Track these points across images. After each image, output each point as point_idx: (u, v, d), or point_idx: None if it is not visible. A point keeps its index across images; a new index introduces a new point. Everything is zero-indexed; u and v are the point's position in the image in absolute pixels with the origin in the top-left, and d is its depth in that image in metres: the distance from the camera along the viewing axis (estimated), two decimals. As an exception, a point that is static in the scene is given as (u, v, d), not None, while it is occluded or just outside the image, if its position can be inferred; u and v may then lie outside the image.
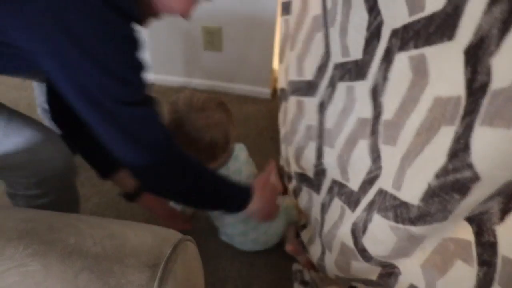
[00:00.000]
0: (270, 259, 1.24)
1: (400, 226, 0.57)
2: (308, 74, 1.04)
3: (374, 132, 0.65)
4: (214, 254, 1.26)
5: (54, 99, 0.99)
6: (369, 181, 0.68)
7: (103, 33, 0.65)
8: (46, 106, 1.37)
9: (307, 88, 1.02)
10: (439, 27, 0.48)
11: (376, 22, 0.62)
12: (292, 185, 1.26)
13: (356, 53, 0.70)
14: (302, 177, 1.08)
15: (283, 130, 1.38)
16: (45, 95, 1.01)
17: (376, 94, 0.64)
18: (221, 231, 1.26)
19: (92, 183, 1.47)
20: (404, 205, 0.56)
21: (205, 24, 1.79)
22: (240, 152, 1.14)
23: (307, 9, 1.04)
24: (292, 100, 1.17)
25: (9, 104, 0.83)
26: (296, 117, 1.12)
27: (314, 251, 1.02)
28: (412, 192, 0.54)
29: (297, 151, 1.06)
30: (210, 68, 1.97)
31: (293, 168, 1.17)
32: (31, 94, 1.87)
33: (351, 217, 0.74)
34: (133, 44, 0.70)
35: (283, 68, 1.35)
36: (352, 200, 0.75)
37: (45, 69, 0.68)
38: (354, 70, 0.71)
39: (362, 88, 0.68)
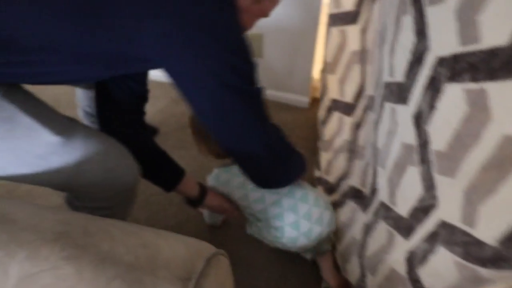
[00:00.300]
0: (301, 270, 1.22)
1: (468, 264, 0.55)
2: (369, 89, 1.01)
3: (424, 161, 0.62)
4: (244, 262, 1.25)
5: (107, 113, 1.00)
6: (422, 210, 0.65)
7: (232, 22, 0.72)
8: (88, 110, 1.40)
9: (369, 103, 1.00)
10: (506, 64, 0.45)
11: (421, 46, 0.59)
12: (333, 197, 1.23)
13: (399, 75, 0.67)
14: (356, 193, 1.05)
15: (338, 140, 1.34)
16: (96, 109, 1.01)
17: (420, 121, 0.62)
18: (255, 223, 1.16)
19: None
20: (478, 243, 0.53)
21: (247, 30, 1.79)
22: None
23: (370, 22, 1.02)
24: (359, 112, 1.15)
25: (50, 100, 0.84)
26: (366, 133, 1.10)
27: (351, 271, 0.99)
28: (489, 231, 0.52)
29: (363, 168, 1.04)
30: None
31: (350, 182, 1.14)
32: (70, 91, 1.92)
33: (405, 244, 0.72)
34: (244, 36, 0.76)
35: (336, 79, 1.32)
36: (402, 226, 0.72)
37: (169, 71, 0.74)
38: (396, 93, 0.69)
39: (404, 112, 0.66)
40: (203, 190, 1.11)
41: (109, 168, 0.87)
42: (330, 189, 1.33)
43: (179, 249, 0.55)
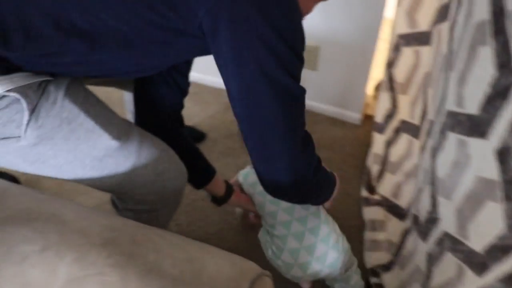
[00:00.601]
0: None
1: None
2: (431, 114, 0.97)
3: (510, 198, 0.58)
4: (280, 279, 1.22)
5: (147, 114, 1.01)
6: (502, 249, 0.61)
7: (288, 7, 0.64)
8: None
9: (430, 127, 0.96)
10: None
11: (506, 81, 0.55)
12: (405, 223, 1.17)
13: (471, 106, 0.63)
14: (415, 220, 1.01)
15: (408, 163, 1.29)
16: (134, 103, 1.01)
17: (506, 157, 0.57)
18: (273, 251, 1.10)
19: (173, 186, 1.50)
20: None
21: (303, 42, 1.77)
22: None
23: (439, 45, 0.98)
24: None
25: (101, 96, 0.85)
26: (419, 156, 1.06)
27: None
28: None
29: (417, 192, 0.99)
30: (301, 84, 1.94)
31: (412, 209, 1.10)
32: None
33: (477, 281, 0.68)
34: (299, 14, 0.69)
35: (408, 100, 1.28)
36: (475, 262, 0.69)
37: (215, 50, 0.68)
38: (468, 125, 0.65)
39: (482, 146, 0.62)
40: (230, 190, 1.10)
41: (159, 172, 0.87)
42: (400, 214, 1.27)
43: (224, 267, 0.54)
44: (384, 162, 1.46)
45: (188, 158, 0.98)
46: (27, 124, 0.67)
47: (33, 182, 1.58)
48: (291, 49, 0.66)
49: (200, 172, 1.04)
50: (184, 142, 1.02)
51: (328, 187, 0.95)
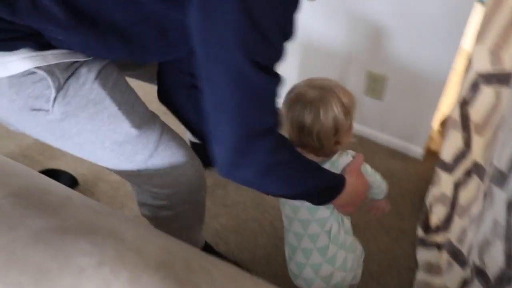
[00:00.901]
0: None
1: None
2: (496, 158, 0.90)
3: None
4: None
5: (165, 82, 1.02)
6: None
7: None
8: None
9: (494, 174, 0.89)
10: None
11: None
12: (465, 272, 1.10)
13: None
14: (478, 272, 0.94)
15: (475, 208, 1.22)
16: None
17: None
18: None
19: (224, 203, 1.50)
20: None
21: (370, 69, 1.73)
22: (341, 160, 0.96)
23: None
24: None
25: (135, 86, 0.89)
26: (484, 206, 0.98)
27: None
28: None
29: (481, 242, 0.93)
30: (364, 113, 1.89)
31: (473, 258, 1.02)
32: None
33: None
34: (293, 5, 0.65)
35: (483, 142, 1.21)
36: None
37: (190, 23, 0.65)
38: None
39: None
40: None
41: (174, 166, 0.91)
42: (462, 261, 1.20)
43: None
44: (453, 204, 1.37)
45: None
46: (54, 100, 0.73)
47: (91, 183, 1.64)
48: (263, 36, 0.61)
49: None
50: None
51: (321, 189, 0.86)
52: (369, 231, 1.49)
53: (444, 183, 1.45)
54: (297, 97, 0.88)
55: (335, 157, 0.95)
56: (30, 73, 0.70)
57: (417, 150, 1.84)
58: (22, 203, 0.61)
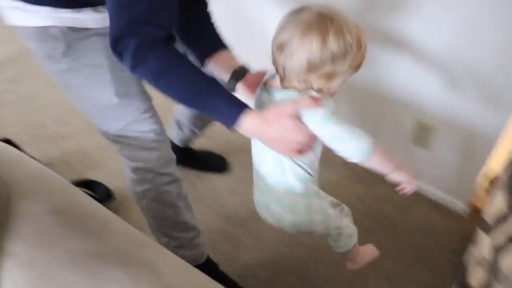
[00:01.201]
0: None
1: None
2: None
3: None
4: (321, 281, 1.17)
5: None
6: None
7: None
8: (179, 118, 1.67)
9: None
10: None
11: None
12: None
13: None
14: None
15: None
16: None
17: None
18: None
19: (257, 236, 1.47)
20: None
21: (420, 117, 1.67)
22: (289, 96, 0.86)
23: None
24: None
25: None
26: None
27: None
28: None
29: None
30: (409, 161, 1.82)
31: None
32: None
33: None
34: None
35: None
36: None
37: None
38: None
39: None
40: (237, 77, 1.06)
41: (145, 145, 1.07)
42: None
43: None
44: (493, 270, 1.29)
45: (199, 26, 1.10)
46: (63, 53, 0.92)
47: (125, 197, 1.63)
48: None
49: (202, 43, 1.10)
50: (202, 12, 1.11)
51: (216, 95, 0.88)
52: (402, 282, 1.44)
53: (483, 244, 1.37)
54: (298, 9, 0.81)
55: (290, 92, 0.86)
56: (51, 27, 0.88)
57: (461, 206, 1.76)
58: (62, 221, 0.61)
